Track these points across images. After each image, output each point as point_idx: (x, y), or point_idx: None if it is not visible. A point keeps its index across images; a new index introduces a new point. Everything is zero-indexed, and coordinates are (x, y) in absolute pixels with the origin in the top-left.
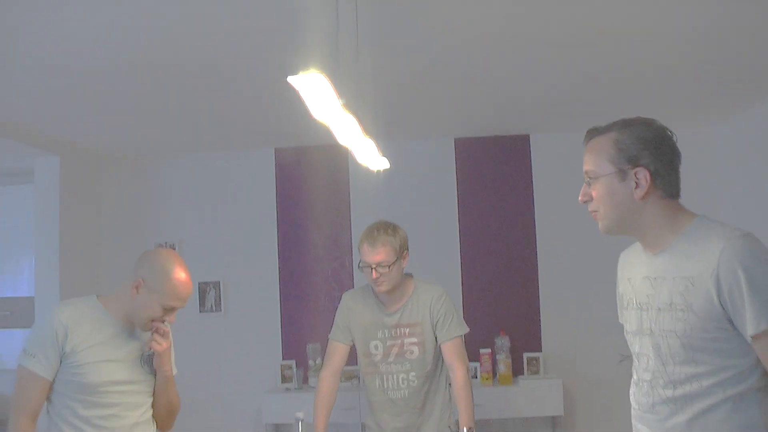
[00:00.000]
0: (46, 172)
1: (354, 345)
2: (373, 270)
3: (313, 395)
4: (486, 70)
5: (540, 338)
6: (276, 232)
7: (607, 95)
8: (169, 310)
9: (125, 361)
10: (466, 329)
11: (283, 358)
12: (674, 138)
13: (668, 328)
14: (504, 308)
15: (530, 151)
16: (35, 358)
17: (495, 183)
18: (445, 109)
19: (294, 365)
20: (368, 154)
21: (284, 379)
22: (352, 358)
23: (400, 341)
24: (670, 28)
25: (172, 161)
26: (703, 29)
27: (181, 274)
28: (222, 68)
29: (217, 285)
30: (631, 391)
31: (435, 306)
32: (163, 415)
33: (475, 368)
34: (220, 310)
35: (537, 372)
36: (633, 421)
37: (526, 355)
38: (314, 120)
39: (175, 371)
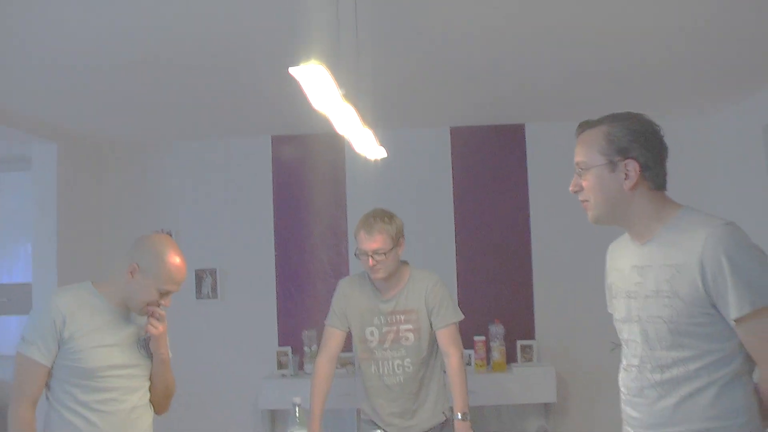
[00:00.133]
0: (44, 159)
1: (350, 331)
2: (370, 257)
3: (310, 381)
4: (483, 61)
5: (533, 326)
6: (272, 219)
7: (602, 86)
8: (164, 293)
9: (122, 345)
10: (461, 316)
11: (279, 345)
12: (662, 132)
13: (655, 314)
14: (498, 296)
15: (525, 141)
16: (34, 345)
17: (490, 172)
18: (442, 98)
19: (290, 352)
20: (366, 144)
21: (280, 365)
22: (348, 344)
23: (395, 328)
24: (664, 22)
25: (169, 149)
26: (696, 23)
27: (175, 258)
28: (220, 57)
29: (213, 272)
30: (620, 377)
31: (430, 293)
32: (160, 398)
33: (470, 355)
34: (217, 297)
35: (530, 359)
36: (622, 405)
37: (519, 343)
38: (311, 108)
39: (170, 355)
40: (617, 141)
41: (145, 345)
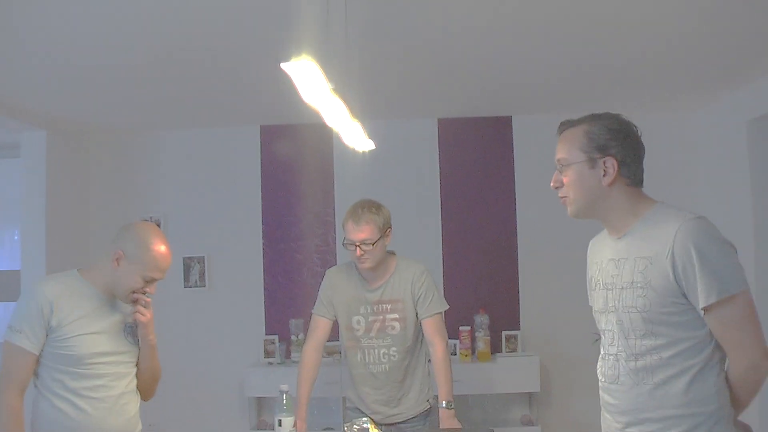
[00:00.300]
0: (33, 146)
1: (336, 320)
2: (357, 247)
3: (296, 369)
4: (471, 53)
5: (518, 317)
6: (260, 208)
7: (588, 81)
8: (149, 281)
9: (109, 332)
10: (446, 306)
11: (266, 333)
12: (639, 132)
13: (630, 305)
14: (484, 287)
15: (512, 133)
16: (21, 333)
17: (477, 163)
18: (430, 90)
19: (277, 340)
20: (355, 136)
21: (267, 353)
22: (335, 333)
23: (381, 317)
24: (650, 17)
25: (159, 137)
26: (682, 19)
27: (160, 246)
28: (209, 46)
29: (201, 260)
30: (598, 365)
31: (416, 283)
32: (147, 384)
33: (455, 345)
34: (204, 285)
35: (515, 349)
36: (600, 392)
37: (504, 333)
38: (300, 99)
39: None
40: (597, 139)
41: (132, 332)
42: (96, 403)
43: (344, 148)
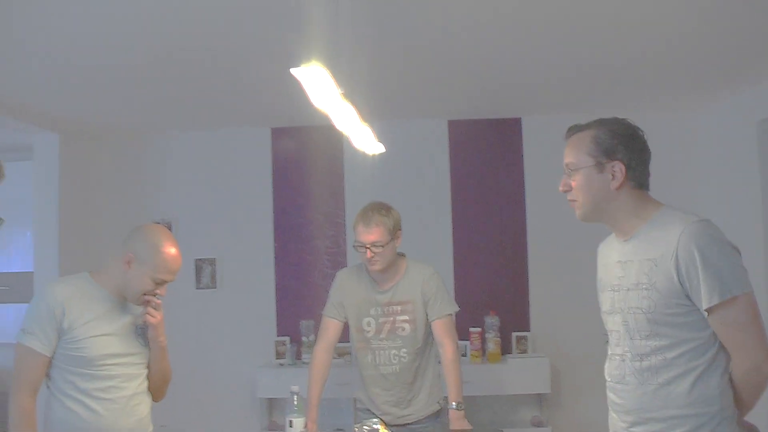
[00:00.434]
0: (46, 149)
1: (347, 321)
2: (368, 250)
3: (307, 370)
4: (480, 55)
5: (528, 318)
6: (272, 210)
7: (597, 81)
8: (159, 283)
9: (120, 334)
10: (456, 308)
11: (277, 335)
12: (644, 136)
13: (635, 306)
14: (494, 288)
15: (522, 134)
16: (34, 336)
17: (487, 165)
18: (440, 91)
19: (288, 341)
20: (364, 139)
21: (278, 355)
22: (345, 334)
23: (392, 318)
24: (659, 16)
25: (170, 139)
26: (691, 17)
27: (170, 249)
28: (221, 48)
29: (213, 262)
30: (605, 366)
31: (426, 285)
32: (158, 385)
33: (465, 346)
34: (216, 287)
35: (525, 351)
36: (607, 392)
37: (514, 334)
38: (310, 102)
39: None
40: (604, 144)
41: (142, 333)
42: (107, 404)
43: (355, 150)
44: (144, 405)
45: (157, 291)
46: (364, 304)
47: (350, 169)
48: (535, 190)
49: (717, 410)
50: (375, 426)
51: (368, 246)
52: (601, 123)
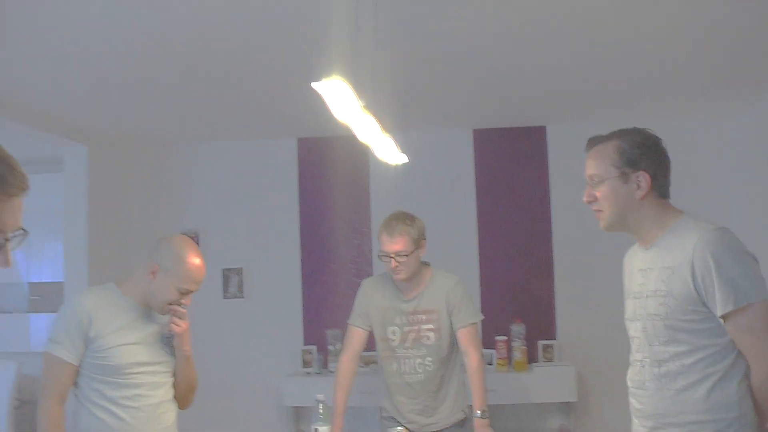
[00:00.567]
0: (75, 161)
1: (372, 330)
2: (392, 259)
3: (333, 379)
4: (504, 63)
5: (555, 326)
6: (298, 220)
7: (622, 87)
8: (184, 293)
9: (146, 343)
10: (481, 317)
11: (304, 344)
12: (665, 145)
13: (653, 312)
14: (520, 297)
15: (547, 142)
16: (61, 345)
17: (512, 173)
18: (464, 100)
19: (315, 350)
20: (387, 150)
21: (305, 363)
22: (371, 343)
23: (416, 327)
24: (684, 21)
25: (197, 150)
26: (718, 22)
27: (195, 259)
28: (247, 59)
29: (240, 272)
30: (628, 372)
31: (450, 294)
32: (184, 393)
33: (492, 355)
34: (243, 296)
35: (551, 359)
36: (629, 398)
37: (540, 343)
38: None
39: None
40: (628, 154)
41: (168, 342)
42: (134, 412)
43: (380, 161)
44: (170, 413)
45: (182, 301)
46: (389, 313)
47: (376, 179)
48: (560, 198)
49: (736, 416)
50: None
51: (392, 255)
52: (622, 133)
